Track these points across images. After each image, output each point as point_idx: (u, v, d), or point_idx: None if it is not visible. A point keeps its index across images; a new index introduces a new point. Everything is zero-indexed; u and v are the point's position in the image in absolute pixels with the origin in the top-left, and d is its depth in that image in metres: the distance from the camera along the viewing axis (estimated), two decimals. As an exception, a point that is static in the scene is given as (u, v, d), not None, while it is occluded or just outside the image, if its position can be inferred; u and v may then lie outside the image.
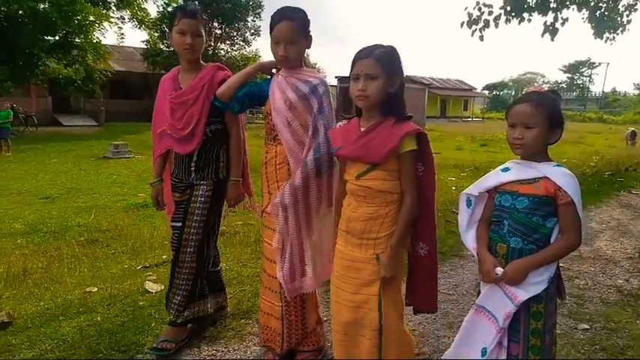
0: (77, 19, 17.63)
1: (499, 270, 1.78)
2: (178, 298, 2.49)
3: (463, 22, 9.98)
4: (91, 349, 2.50)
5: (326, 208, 2.28)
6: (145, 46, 26.40)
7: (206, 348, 2.57)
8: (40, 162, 11.62)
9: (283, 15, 2.14)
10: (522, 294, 1.74)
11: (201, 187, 2.48)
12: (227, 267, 3.85)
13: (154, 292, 3.27)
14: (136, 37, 26.44)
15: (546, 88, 2.11)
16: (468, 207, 1.98)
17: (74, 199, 7.50)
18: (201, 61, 2.52)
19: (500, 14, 9.91)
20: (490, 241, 1.89)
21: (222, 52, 29.76)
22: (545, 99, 1.77)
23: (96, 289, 3.38)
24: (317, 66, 37.43)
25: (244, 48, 30.80)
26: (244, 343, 2.63)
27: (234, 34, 29.78)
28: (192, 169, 2.49)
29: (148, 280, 3.47)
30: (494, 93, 68.31)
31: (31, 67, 17.96)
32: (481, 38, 10.02)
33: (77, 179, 9.38)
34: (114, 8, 19.66)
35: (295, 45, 2.16)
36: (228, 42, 30.05)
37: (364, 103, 1.86)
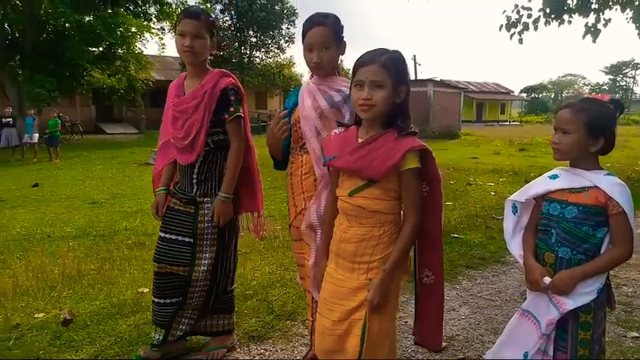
0: (120, 31, 18.35)
1: (547, 279, 1.75)
2: (189, 313, 2.42)
3: (501, 26, 9.87)
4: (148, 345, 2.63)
5: None
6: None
7: (255, 347, 2.67)
8: (86, 168, 12.13)
9: (316, 21, 2.08)
10: (570, 303, 1.71)
11: (206, 205, 2.36)
12: (270, 270, 3.96)
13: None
14: (172, 46, 27.24)
15: (587, 91, 2.08)
16: (514, 214, 1.95)
17: (120, 203, 7.79)
18: (209, 67, 2.40)
19: (540, 16, 9.75)
20: (537, 249, 1.85)
21: (257, 59, 30.32)
22: (589, 106, 1.74)
23: (147, 289, 3.53)
24: (350, 73, 37.57)
25: (279, 55, 31.34)
26: (291, 344, 2.72)
27: (269, 41, 30.32)
28: (194, 181, 2.37)
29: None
30: (532, 96, 66.62)
31: (76, 78, 18.85)
32: (520, 41, 9.88)
33: (122, 185, 9.74)
34: (154, 20, 20.35)
35: (328, 51, 2.07)
36: (263, 50, 30.60)
37: (368, 114, 1.68)
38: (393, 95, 1.67)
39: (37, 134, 14.45)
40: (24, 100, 16.72)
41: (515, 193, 1.94)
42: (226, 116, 2.30)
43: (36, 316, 3.11)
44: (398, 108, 1.71)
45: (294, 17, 30.20)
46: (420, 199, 1.72)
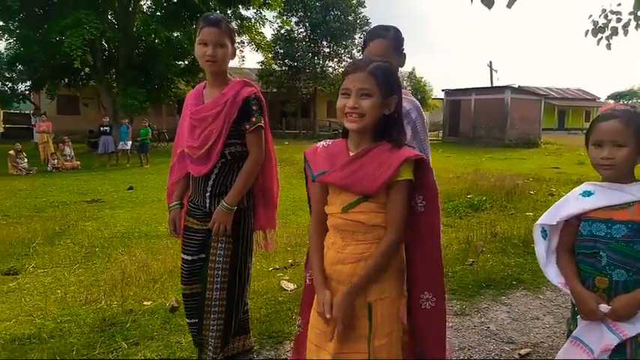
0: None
1: (604, 307, 1.59)
2: (213, 341, 2.25)
3: (587, 31, 9.41)
4: (246, 333, 2.88)
5: None
6: (260, 67, 28.32)
7: None
8: (173, 174, 12.99)
9: (376, 33, 2.11)
10: (630, 329, 1.59)
11: None
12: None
13: (289, 289, 3.65)
14: (250, 59, 28.75)
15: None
16: (544, 238, 1.79)
17: (205, 207, 8.33)
18: (230, 76, 2.30)
19: (630, 20, 9.19)
20: (584, 274, 1.69)
21: (329, 69, 30.88)
22: (632, 116, 1.65)
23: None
24: (423, 79, 37.15)
25: (351, 64, 31.64)
26: None
27: (342, 51, 30.80)
28: (208, 194, 2.23)
29: (283, 280, 3.86)
30: (621, 102, 61.87)
31: (164, 90, 20.30)
32: (608, 47, 9.34)
33: (205, 189, 10.36)
34: (235, 34, 21.40)
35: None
36: (335, 59, 31.12)
37: (356, 125, 1.55)
38: (382, 106, 1.56)
39: (130, 141, 15.71)
40: (118, 110, 18.23)
41: (543, 216, 1.77)
42: (247, 126, 2.19)
43: (145, 303, 3.49)
44: (389, 120, 1.60)
45: (367, 27, 30.43)
46: (404, 214, 1.56)
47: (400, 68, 2.16)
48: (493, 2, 4.37)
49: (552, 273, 1.77)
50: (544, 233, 1.78)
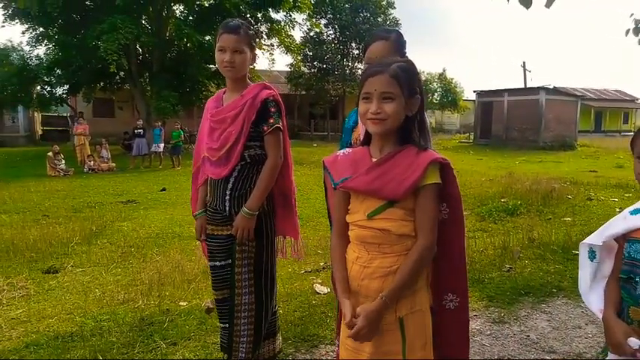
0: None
1: (634, 342, 1.39)
2: (244, 346, 2.26)
3: (628, 30, 9.09)
4: (282, 336, 2.88)
5: None
6: (289, 69, 28.51)
7: None
8: (204, 175, 13.20)
9: (377, 35, 2.12)
10: None
11: None
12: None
13: (322, 293, 3.63)
14: (279, 61, 28.95)
15: None
16: (591, 260, 1.63)
17: (237, 208, 8.41)
18: (248, 81, 2.33)
19: (675, 17, 8.83)
20: (623, 302, 1.51)
21: (359, 71, 30.80)
22: None
23: (273, 287, 3.85)
24: (454, 81, 36.61)
25: (380, 66, 31.51)
26: None
27: (371, 53, 30.67)
28: (227, 197, 2.23)
29: (316, 283, 3.85)
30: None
31: (196, 93, 20.63)
32: (651, 45, 9.02)
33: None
34: (265, 37, 21.59)
35: None
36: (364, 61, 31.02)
37: (379, 128, 1.51)
38: (405, 108, 1.52)
39: (163, 144, 16.04)
40: (152, 113, 18.65)
41: (591, 235, 1.63)
42: (265, 128, 2.20)
43: (180, 303, 3.54)
44: (412, 122, 1.56)
45: (397, 28, 30.27)
46: (435, 219, 1.49)
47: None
48: (531, 2, 4.27)
49: (593, 300, 1.61)
50: (592, 254, 1.63)
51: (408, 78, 1.51)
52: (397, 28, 2.15)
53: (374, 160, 1.55)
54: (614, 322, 1.47)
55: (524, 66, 34.93)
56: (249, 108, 2.18)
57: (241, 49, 2.17)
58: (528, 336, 2.96)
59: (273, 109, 2.22)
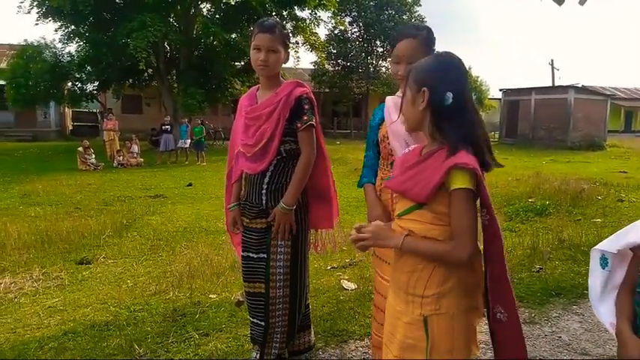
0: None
1: None
2: (278, 337, 2.32)
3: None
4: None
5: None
6: (313, 67, 28.54)
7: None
8: (229, 171, 13.37)
9: (406, 32, 2.05)
10: None
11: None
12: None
13: (350, 289, 3.66)
14: (303, 59, 29.18)
15: None
16: (603, 268, 1.56)
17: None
18: (282, 79, 2.37)
19: None
20: (634, 317, 1.46)
21: (382, 69, 30.64)
22: None
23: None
24: (479, 79, 36.07)
25: (405, 64, 31.27)
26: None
27: (396, 50, 30.45)
28: (264, 191, 2.28)
29: (343, 279, 3.87)
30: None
31: (222, 90, 20.89)
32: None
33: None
34: (290, 34, 21.66)
35: None
36: (389, 59, 30.80)
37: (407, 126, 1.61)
38: (438, 99, 1.48)
39: (189, 140, 16.30)
40: (179, 109, 18.93)
41: (604, 241, 1.56)
42: (299, 124, 2.25)
43: (210, 296, 3.61)
44: (448, 115, 1.48)
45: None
46: (464, 226, 1.41)
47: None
48: (564, -2, 4.19)
49: (604, 311, 1.54)
50: (604, 262, 1.55)
51: (445, 72, 1.51)
52: (427, 25, 2.09)
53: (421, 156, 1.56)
54: (628, 337, 1.42)
55: (552, 64, 34.25)
56: (283, 105, 2.22)
57: (276, 48, 2.21)
58: (560, 337, 2.93)
59: (306, 107, 2.27)
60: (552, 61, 34.20)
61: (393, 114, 2.00)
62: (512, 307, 1.56)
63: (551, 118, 24.10)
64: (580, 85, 25.90)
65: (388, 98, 2.18)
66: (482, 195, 1.46)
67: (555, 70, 34.61)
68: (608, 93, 28.70)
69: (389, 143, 2.08)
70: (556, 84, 30.02)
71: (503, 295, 1.56)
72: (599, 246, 1.56)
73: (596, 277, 1.57)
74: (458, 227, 1.41)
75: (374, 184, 2.22)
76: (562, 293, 3.58)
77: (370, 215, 2.15)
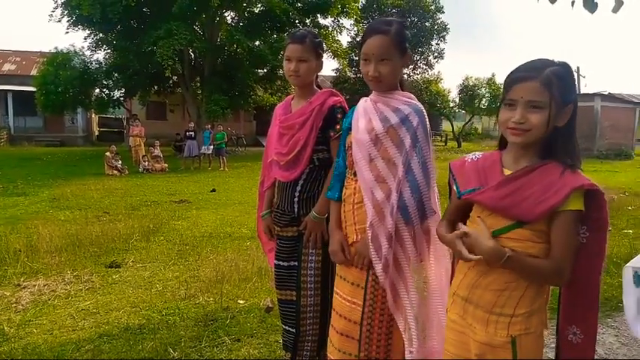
0: (282, 54, 20.09)
1: None
2: (309, 344, 2.34)
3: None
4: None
5: (417, 264, 1.86)
6: (335, 74, 28.65)
7: None
8: (251, 177, 13.40)
9: (375, 28, 1.86)
10: None
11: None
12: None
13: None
14: (325, 66, 29.19)
15: None
16: (637, 286, 1.54)
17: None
18: (316, 88, 2.37)
19: None
20: None
21: (404, 76, 30.49)
22: None
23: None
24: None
25: (427, 71, 31.15)
26: None
27: (418, 58, 30.35)
28: (296, 199, 2.30)
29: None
30: None
31: (244, 97, 21.10)
32: None
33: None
34: (323, 43, 21.80)
35: (389, 63, 1.83)
36: (410, 66, 30.75)
37: (520, 139, 1.38)
38: (555, 118, 1.36)
39: (212, 146, 16.50)
40: (202, 116, 19.20)
41: (636, 258, 1.54)
42: (332, 134, 2.24)
43: (239, 302, 3.64)
44: (560, 134, 1.40)
45: (445, 32, 29.84)
46: (571, 247, 1.36)
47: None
48: (597, 6, 4.13)
49: None
50: (637, 279, 1.53)
51: (562, 86, 1.35)
52: (398, 19, 1.88)
53: (505, 170, 1.44)
54: None
55: (578, 71, 33.61)
56: (316, 114, 2.23)
57: (306, 58, 2.23)
58: (596, 350, 2.86)
59: (339, 116, 2.27)
60: (578, 68, 33.54)
61: (361, 120, 1.92)
62: (594, 332, 1.48)
63: (577, 126, 23.62)
64: (607, 93, 25.40)
65: (361, 101, 2.03)
66: (603, 216, 1.38)
67: (581, 78, 33.99)
68: (637, 101, 28.05)
69: (352, 154, 1.97)
70: (582, 92, 29.47)
71: (589, 318, 1.47)
72: (631, 263, 1.53)
73: (630, 296, 1.56)
74: (564, 248, 1.35)
75: (340, 202, 2.08)
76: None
77: (332, 241, 2.06)
